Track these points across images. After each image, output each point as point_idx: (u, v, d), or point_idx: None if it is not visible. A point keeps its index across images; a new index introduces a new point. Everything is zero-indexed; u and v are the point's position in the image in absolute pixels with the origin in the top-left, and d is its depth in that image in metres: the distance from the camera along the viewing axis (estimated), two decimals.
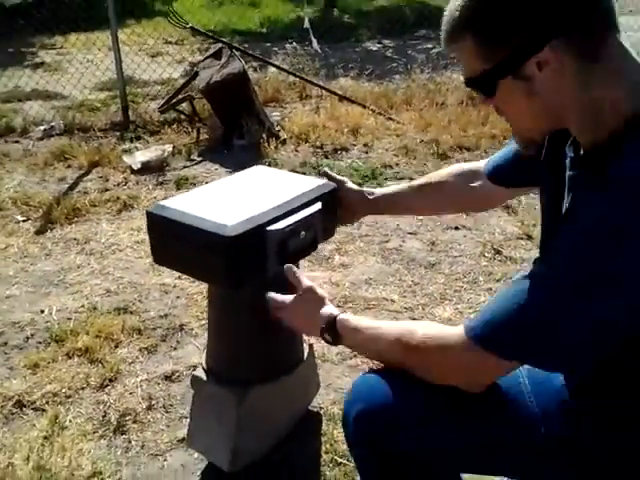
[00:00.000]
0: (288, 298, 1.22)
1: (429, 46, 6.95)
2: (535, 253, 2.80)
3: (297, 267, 1.52)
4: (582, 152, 0.90)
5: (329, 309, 1.13)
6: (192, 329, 2.25)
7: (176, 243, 1.35)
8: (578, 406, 0.96)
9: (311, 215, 1.36)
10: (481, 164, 1.33)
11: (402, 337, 0.96)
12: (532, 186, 1.17)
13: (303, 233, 1.35)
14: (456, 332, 0.90)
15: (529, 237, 2.80)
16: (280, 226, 1.29)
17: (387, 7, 9.17)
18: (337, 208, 1.50)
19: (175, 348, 2.15)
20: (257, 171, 1.62)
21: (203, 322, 2.25)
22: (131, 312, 2.34)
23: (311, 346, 1.73)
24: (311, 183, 1.47)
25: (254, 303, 1.42)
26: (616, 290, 0.77)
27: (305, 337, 1.73)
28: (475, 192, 1.33)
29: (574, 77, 0.82)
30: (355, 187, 1.49)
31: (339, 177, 1.50)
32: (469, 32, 0.85)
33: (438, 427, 0.96)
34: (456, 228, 2.92)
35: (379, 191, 1.47)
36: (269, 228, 1.28)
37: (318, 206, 1.39)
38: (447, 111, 4.33)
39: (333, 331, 1.08)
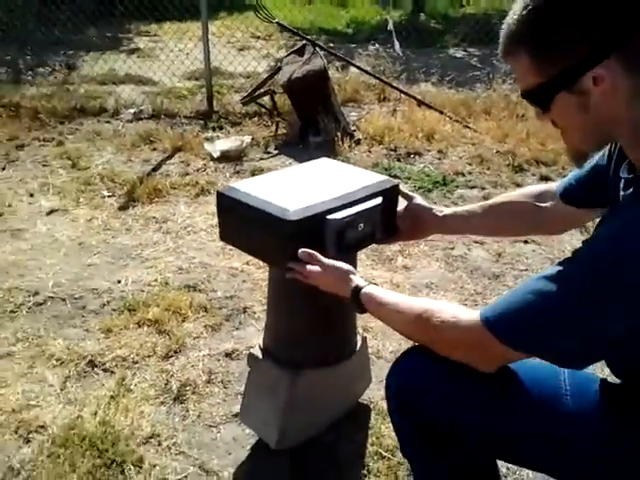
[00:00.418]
0: (315, 268, 1.26)
1: None
2: None
3: (355, 260, 1.58)
4: (637, 173, 0.91)
5: (355, 280, 1.20)
6: (255, 312, 2.34)
7: (241, 223, 1.43)
8: (621, 406, 0.97)
9: (370, 209, 1.40)
10: (553, 186, 1.33)
11: (421, 315, 1.02)
12: (605, 207, 1.17)
13: (361, 225, 1.39)
14: (472, 316, 0.95)
15: None
16: (339, 216, 1.34)
17: (475, 14, 9.05)
18: (397, 206, 1.53)
19: (237, 328, 2.25)
20: (323, 163, 1.68)
21: (265, 307, 2.33)
22: (200, 290, 2.47)
23: (364, 339, 1.77)
24: (373, 178, 1.52)
25: (311, 288, 1.50)
26: (630, 306, 0.80)
27: (359, 330, 1.78)
28: (546, 213, 1.33)
29: (627, 93, 0.83)
30: (424, 204, 1.50)
31: (410, 193, 1.53)
32: (525, 46, 0.86)
33: (467, 407, 1.01)
34: (525, 242, 2.89)
35: (449, 210, 1.48)
36: (328, 217, 1.33)
37: (378, 201, 1.43)
38: (527, 124, 4.26)
39: (358, 302, 1.17)
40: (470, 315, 0.97)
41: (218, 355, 2.09)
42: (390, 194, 1.49)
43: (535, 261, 2.74)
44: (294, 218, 1.30)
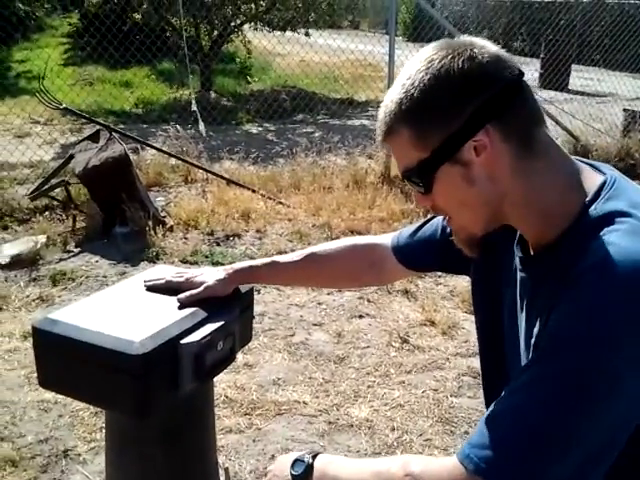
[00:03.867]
0: None
1: (309, 130, 7.14)
2: (440, 340, 2.77)
3: (212, 387, 1.35)
4: (532, 252, 0.87)
5: (294, 454, 0.95)
6: (79, 454, 1.94)
7: (70, 364, 1.15)
8: None
9: (229, 323, 1.21)
10: (379, 240, 1.25)
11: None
12: (447, 273, 1.25)
13: (221, 344, 1.19)
14: (451, 466, 0.76)
15: (432, 323, 2.80)
16: (195, 338, 1.13)
17: (263, 91, 9.40)
18: (253, 310, 1.37)
19: None
20: (161, 272, 1.44)
21: (93, 444, 1.95)
22: (2, 439, 1.99)
23: (227, 470, 1.53)
24: None
25: (165, 430, 1.23)
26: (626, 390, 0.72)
27: (220, 461, 1.53)
28: (377, 271, 1.26)
29: (509, 161, 0.81)
30: (212, 279, 1.23)
31: (199, 279, 1.26)
32: (404, 124, 0.84)
33: None
34: (360, 317, 2.86)
35: (242, 267, 1.26)
36: (183, 341, 1.12)
37: (236, 312, 1.25)
38: (335, 195, 4.38)
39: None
40: (450, 466, 0.76)
41: None
42: (246, 301, 1.32)
43: (374, 336, 2.71)
44: (142, 351, 1.06)
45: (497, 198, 0.84)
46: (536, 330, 0.82)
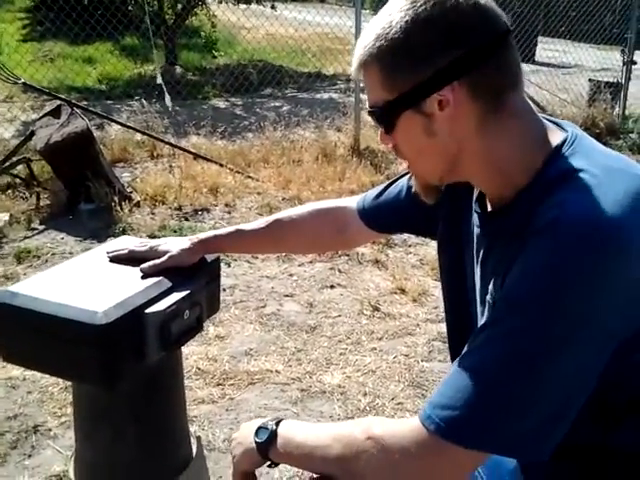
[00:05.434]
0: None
1: (277, 104, 7.06)
2: (410, 307, 2.79)
3: (180, 357, 1.34)
4: (489, 209, 0.88)
5: (258, 421, 0.94)
6: (49, 429, 1.92)
7: (32, 337, 1.13)
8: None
9: (194, 292, 1.20)
10: (344, 203, 1.25)
11: (350, 446, 0.80)
12: (414, 234, 1.22)
13: (187, 313, 1.18)
14: (413, 427, 0.76)
15: (403, 291, 2.82)
16: (160, 307, 1.12)
17: (230, 65, 9.24)
18: (220, 279, 1.36)
19: (30, 455, 1.82)
20: (124, 242, 1.42)
21: (63, 419, 1.93)
22: None
23: (199, 439, 1.52)
24: None
25: (133, 401, 1.23)
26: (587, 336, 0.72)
27: (192, 430, 1.53)
28: (339, 234, 1.25)
29: (474, 121, 0.80)
30: (176, 248, 1.22)
31: (160, 249, 1.23)
32: (376, 62, 0.83)
33: None
34: (331, 287, 2.87)
35: (207, 236, 1.25)
36: (148, 311, 1.11)
37: (202, 281, 1.24)
38: (304, 168, 4.35)
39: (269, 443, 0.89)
40: (411, 426, 0.76)
41: None
42: (213, 270, 1.31)
43: (346, 305, 2.72)
44: (106, 321, 1.04)
45: (455, 153, 0.83)
46: (491, 287, 0.83)
